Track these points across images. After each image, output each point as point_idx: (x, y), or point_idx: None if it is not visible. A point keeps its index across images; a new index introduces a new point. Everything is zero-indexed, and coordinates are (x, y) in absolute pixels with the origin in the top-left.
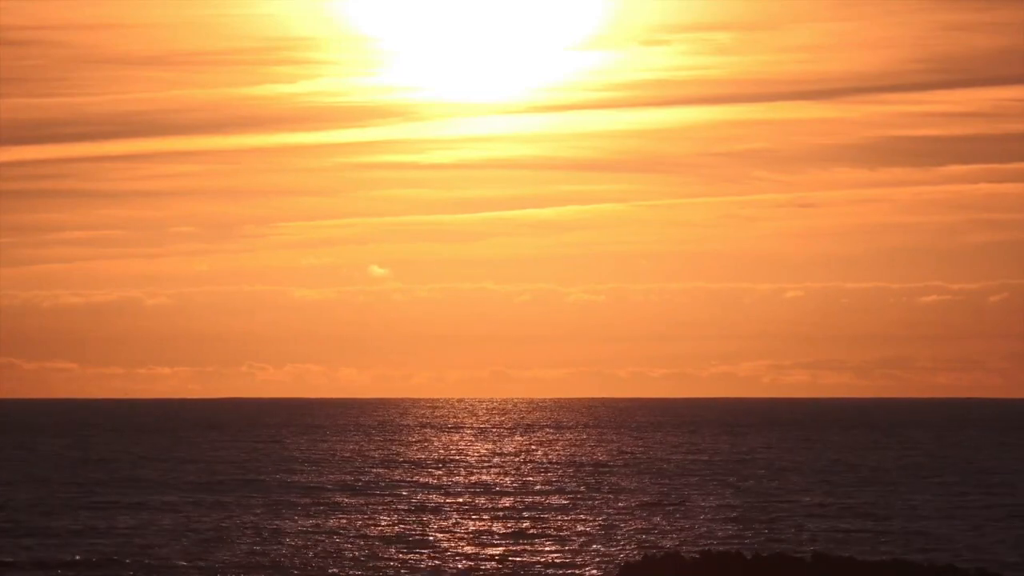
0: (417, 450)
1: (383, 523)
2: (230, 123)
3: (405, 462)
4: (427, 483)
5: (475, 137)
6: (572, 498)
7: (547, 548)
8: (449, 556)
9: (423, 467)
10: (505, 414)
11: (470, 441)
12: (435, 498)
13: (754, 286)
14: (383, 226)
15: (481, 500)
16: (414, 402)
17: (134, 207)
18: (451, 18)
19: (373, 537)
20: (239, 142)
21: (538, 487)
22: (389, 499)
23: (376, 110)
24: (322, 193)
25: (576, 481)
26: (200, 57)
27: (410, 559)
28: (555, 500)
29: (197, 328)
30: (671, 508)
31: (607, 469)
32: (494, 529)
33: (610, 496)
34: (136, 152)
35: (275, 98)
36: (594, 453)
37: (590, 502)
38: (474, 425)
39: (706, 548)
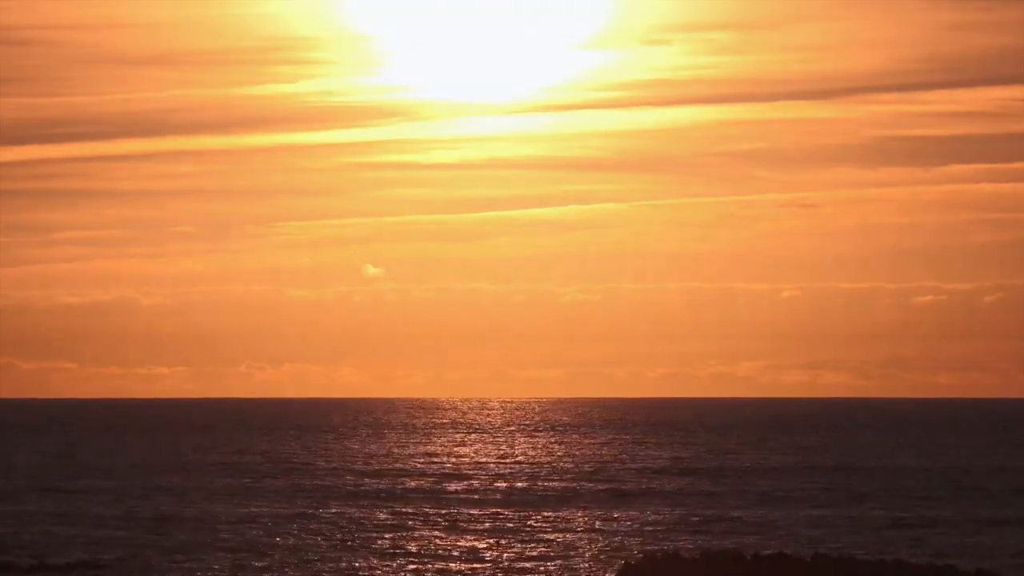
0: (413, 450)
1: (379, 522)
2: (230, 123)
3: (399, 461)
4: (425, 484)
5: (476, 137)
6: (572, 498)
7: (547, 548)
8: (447, 556)
9: (417, 469)
10: (504, 414)
11: (467, 442)
12: (432, 499)
13: (750, 286)
14: (383, 226)
15: (480, 501)
16: (413, 402)
17: (134, 207)
18: (451, 17)
19: (370, 537)
20: (239, 142)
21: (538, 487)
22: (386, 499)
23: (376, 110)
24: (322, 193)
25: (576, 481)
26: (200, 57)
27: (407, 559)
28: (555, 500)
29: (196, 328)
30: (670, 508)
31: (607, 469)
32: (493, 529)
33: (610, 496)
34: (136, 152)
35: (275, 98)
36: (594, 453)
37: (590, 502)
38: (472, 425)
39: (706, 548)
